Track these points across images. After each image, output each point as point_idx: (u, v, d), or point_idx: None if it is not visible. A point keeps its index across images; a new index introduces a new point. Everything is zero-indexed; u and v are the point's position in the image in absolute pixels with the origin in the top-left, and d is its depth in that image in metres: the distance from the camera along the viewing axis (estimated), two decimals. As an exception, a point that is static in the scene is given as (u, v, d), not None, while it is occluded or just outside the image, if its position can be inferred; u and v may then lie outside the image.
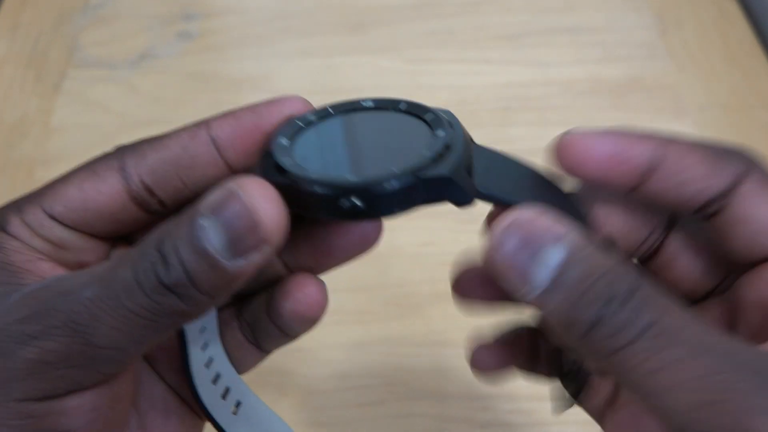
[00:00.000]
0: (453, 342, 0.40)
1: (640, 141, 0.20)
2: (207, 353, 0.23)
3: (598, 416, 0.23)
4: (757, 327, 0.19)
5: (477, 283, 0.21)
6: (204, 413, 0.22)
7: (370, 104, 0.20)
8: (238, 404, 0.24)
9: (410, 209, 0.17)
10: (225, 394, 0.23)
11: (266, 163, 0.19)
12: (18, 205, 0.20)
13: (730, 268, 0.21)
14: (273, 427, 0.25)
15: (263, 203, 0.17)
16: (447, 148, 0.18)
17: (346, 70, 0.54)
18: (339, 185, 0.17)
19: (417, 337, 0.40)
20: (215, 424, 0.23)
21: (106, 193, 0.20)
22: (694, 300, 0.22)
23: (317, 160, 0.18)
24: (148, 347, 0.18)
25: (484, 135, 0.57)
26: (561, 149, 0.20)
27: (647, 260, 0.22)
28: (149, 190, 0.20)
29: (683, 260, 0.21)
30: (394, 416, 0.38)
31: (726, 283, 0.21)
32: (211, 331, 0.23)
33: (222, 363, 0.24)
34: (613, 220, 0.21)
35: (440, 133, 0.18)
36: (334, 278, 0.42)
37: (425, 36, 0.55)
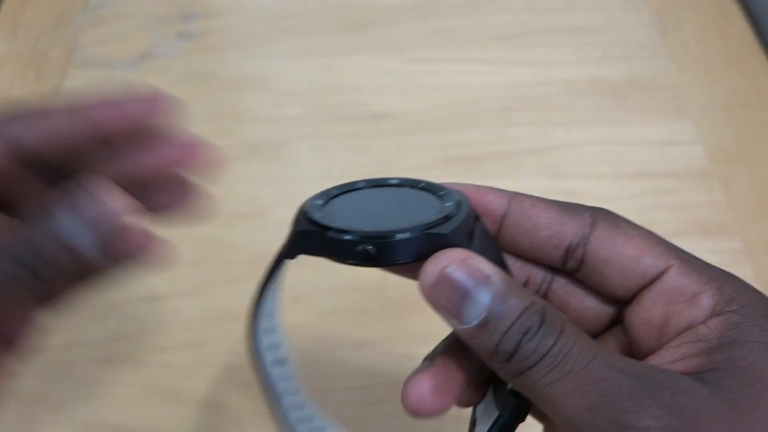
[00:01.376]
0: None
1: (494, 191, 0.23)
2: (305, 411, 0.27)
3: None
4: (645, 345, 0.22)
5: (426, 394, 0.23)
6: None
7: (396, 182, 0.24)
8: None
9: (414, 260, 0.21)
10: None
11: (301, 218, 0.22)
12: None
13: (616, 302, 0.23)
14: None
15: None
16: (450, 216, 0.21)
17: (346, 70, 0.54)
18: (358, 233, 0.21)
19: (417, 337, 0.40)
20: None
21: None
22: (594, 334, 0.24)
23: (344, 217, 0.22)
24: None
25: (484, 135, 0.58)
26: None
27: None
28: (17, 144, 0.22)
29: (572, 303, 0.24)
30: (393, 416, 0.38)
31: (620, 315, 0.24)
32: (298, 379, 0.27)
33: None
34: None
35: (448, 204, 0.22)
36: (334, 278, 0.43)
37: (425, 36, 0.55)
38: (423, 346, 0.40)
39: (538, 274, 0.24)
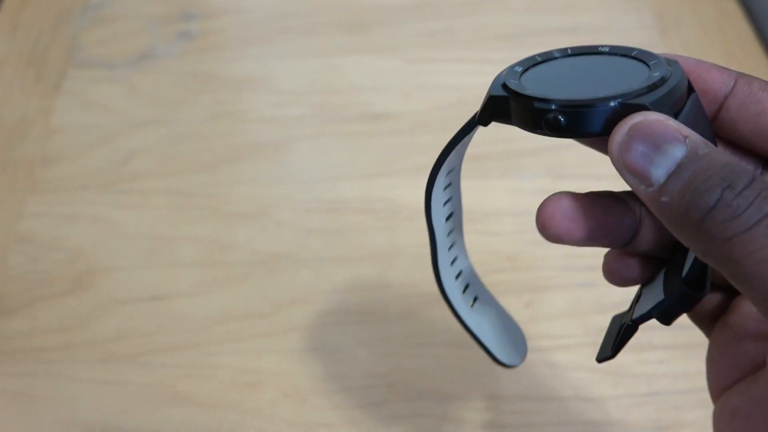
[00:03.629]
0: (454, 342, 0.40)
1: (718, 67, 0.20)
2: (452, 253, 0.26)
3: (705, 327, 0.22)
4: None
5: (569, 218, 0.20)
6: (448, 305, 0.26)
7: (606, 49, 0.22)
8: (475, 299, 0.27)
9: (606, 133, 0.19)
10: (465, 289, 0.27)
11: (496, 83, 0.21)
12: None
13: None
14: (504, 323, 0.28)
15: None
16: (655, 85, 0.19)
17: (346, 70, 0.54)
18: (548, 101, 0.19)
19: (418, 337, 0.40)
20: (456, 315, 0.26)
21: None
22: None
23: (539, 84, 0.21)
24: None
25: (484, 135, 0.57)
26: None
27: None
28: None
29: None
30: (395, 417, 0.38)
31: None
32: (456, 233, 0.26)
33: (464, 262, 0.27)
34: None
35: (656, 73, 0.20)
36: (334, 279, 0.43)
37: (425, 36, 0.55)
38: (424, 346, 0.40)
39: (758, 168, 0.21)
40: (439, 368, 0.39)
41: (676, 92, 0.19)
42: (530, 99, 0.20)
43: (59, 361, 0.40)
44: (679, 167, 0.17)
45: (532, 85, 0.21)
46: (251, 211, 0.46)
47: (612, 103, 0.19)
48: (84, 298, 0.42)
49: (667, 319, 0.20)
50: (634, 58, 0.21)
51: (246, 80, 0.53)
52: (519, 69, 0.22)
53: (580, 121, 0.19)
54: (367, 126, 0.50)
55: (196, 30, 0.57)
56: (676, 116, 0.19)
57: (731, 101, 0.20)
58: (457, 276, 0.27)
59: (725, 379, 0.20)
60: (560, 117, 0.19)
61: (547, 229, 0.20)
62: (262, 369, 0.39)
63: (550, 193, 0.21)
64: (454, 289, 0.27)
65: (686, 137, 0.17)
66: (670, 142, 0.17)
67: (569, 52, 0.22)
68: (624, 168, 0.18)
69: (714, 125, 0.21)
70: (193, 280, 0.43)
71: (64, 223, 0.46)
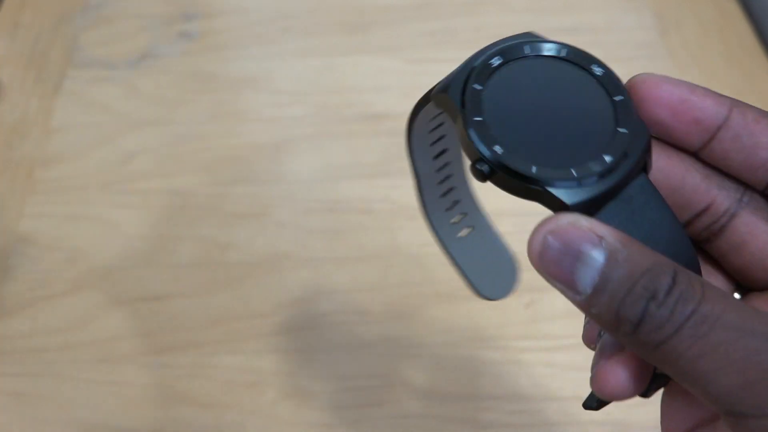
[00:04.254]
0: (454, 343, 0.40)
1: (713, 95, 0.20)
2: (445, 186, 0.25)
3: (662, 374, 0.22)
4: None
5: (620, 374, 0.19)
6: (432, 232, 0.25)
7: (595, 68, 0.21)
8: (472, 229, 0.26)
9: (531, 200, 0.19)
10: (460, 220, 0.26)
11: (461, 77, 0.21)
12: None
13: None
14: (497, 255, 0.26)
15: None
16: (600, 173, 0.18)
17: (346, 70, 0.54)
18: (488, 155, 0.19)
19: (417, 337, 0.40)
20: (440, 242, 0.25)
21: None
22: (765, 285, 0.21)
23: (493, 113, 0.19)
24: None
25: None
26: (632, 86, 0.20)
27: (707, 241, 0.21)
28: None
29: (753, 245, 0.20)
30: (395, 417, 0.38)
31: None
32: (457, 180, 0.25)
33: (462, 195, 0.26)
34: (669, 178, 0.20)
35: (608, 158, 0.19)
36: (334, 279, 0.43)
37: (425, 36, 0.55)
38: (424, 347, 0.40)
39: (723, 203, 0.20)
40: (439, 368, 0.39)
41: (614, 188, 0.18)
42: (470, 141, 0.19)
43: (59, 361, 0.40)
44: (602, 278, 0.17)
45: (488, 106, 0.19)
46: (251, 211, 0.46)
47: (535, 187, 0.18)
48: (84, 298, 0.42)
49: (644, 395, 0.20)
50: (600, 83, 0.20)
51: (246, 80, 0.53)
52: (495, 62, 0.20)
53: (504, 184, 0.19)
54: (367, 126, 0.50)
55: (196, 30, 0.57)
56: (612, 197, 0.18)
57: (724, 133, 0.20)
58: (450, 208, 0.26)
59: (679, 426, 0.20)
60: (485, 172, 0.19)
61: (605, 394, 0.19)
62: (262, 369, 0.39)
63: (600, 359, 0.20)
64: (442, 218, 0.26)
65: (602, 238, 0.17)
66: (587, 250, 0.17)
67: (543, 52, 0.21)
68: (548, 277, 0.18)
69: (703, 153, 0.20)
70: (193, 280, 0.43)
71: (64, 223, 0.46)
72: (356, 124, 0.50)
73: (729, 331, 0.16)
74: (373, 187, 0.47)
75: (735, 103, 0.20)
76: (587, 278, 0.17)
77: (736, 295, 0.21)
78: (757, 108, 0.20)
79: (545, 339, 0.39)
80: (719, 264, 0.21)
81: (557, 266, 0.17)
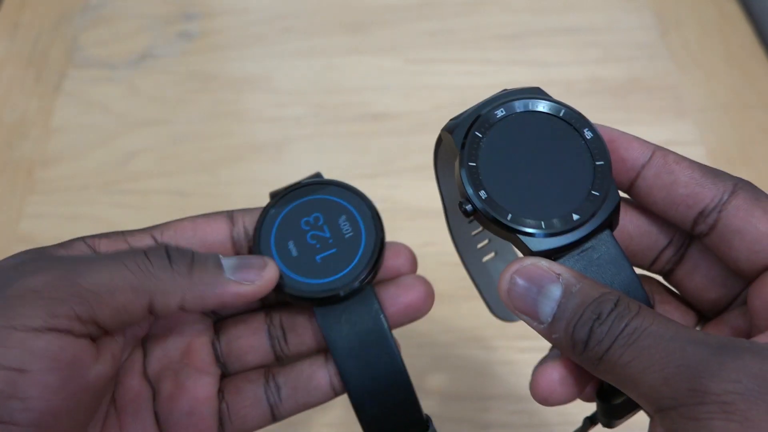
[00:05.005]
0: (454, 342, 0.40)
1: (639, 140, 0.23)
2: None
3: None
4: (764, 326, 0.21)
5: (557, 383, 0.23)
6: (459, 256, 0.28)
7: (557, 115, 0.24)
8: (495, 254, 0.29)
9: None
10: (485, 245, 0.29)
11: (465, 128, 0.24)
12: (129, 231, 0.24)
13: (742, 278, 0.23)
14: None
15: (270, 271, 0.23)
16: (564, 231, 0.22)
17: (347, 70, 0.54)
18: (474, 196, 0.22)
19: (417, 337, 0.40)
20: (464, 265, 0.29)
21: (213, 227, 0.25)
22: (719, 310, 0.24)
23: (488, 161, 0.23)
24: (126, 311, 0.21)
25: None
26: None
27: (670, 272, 0.25)
28: (247, 233, 0.25)
29: (702, 272, 0.24)
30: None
31: (744, 293, 0.23)
32: None
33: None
34: (635, 225, 0.24)
35: (576, 217, 0.22)
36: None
37: (426, 36, 0.55)
38: (423, 346, 0.40)
39: (679, 238, 0.24)
40: (439, 368, 0.39)
41: (576, 242, 0.22)
42: (461, 182, 0.22)
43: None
44: (560, 308, 0.20)
45: (484, 153, 0.23)
46: (251, 211, 0.46)
47: (508, 232, 0.22)
48: (84, 298, 0.42)
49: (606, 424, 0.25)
50: (585, 144, 0.23)
51: (246, 80, 0.53)
52: (499, 114, 0.23)
53: (483, 223, 0.22)
54: (367, 126, 0.50)
55: (196, 30, 0.57)
56: (575, 248, 0.22)
57: (647, 171, 0.23)
58: (478, 233, 0.29)
59: None
60: (468, 211, 0.22)
61: (537, 396, 0.23)
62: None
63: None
64: (469, 243, 0.29)
65: (559, 275, 0.21)
66: (546, 284, 0.21)
67: (544, 110, 0.24)
68: (516, 311, 0.21)
69: (631, 192, 0.23)
70: (193, 280, 0.43)
71: (64, 223, 0.46)
72: (356, 124, 0.50)
73: (652, 339, 0.19)
74: (373, 187, 0.46)
75: (659, 148, 0.23)
76: (547, 309, 0.20)
77: (697, 328, 0.25)
78: (677, 153, 0.23)
79: (545, 339, 0.39)
80: (680, 293, 0.25)
81: (522, 300, 0.21)
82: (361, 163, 0.48)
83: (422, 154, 0.48)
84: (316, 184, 0.26)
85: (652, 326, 0.19)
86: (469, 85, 0.52)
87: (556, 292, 0.20)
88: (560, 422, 0.37)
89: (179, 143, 0.50)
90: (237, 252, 0.25)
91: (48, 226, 0.46)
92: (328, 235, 0.25)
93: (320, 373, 0.25)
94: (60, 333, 0.20)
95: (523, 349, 0.39)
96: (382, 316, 0.24)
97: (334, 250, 0.25)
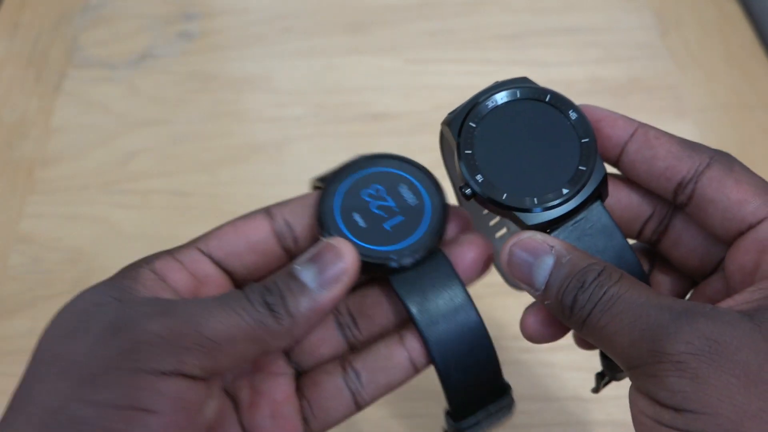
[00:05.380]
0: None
1: (624, 118, 0.25)
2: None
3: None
4: (739, 290, 0.22)
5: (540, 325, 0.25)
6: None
7: (550, 100, 0.26)
8: None
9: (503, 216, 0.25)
10: None
11: (459, 118, 0.25)
12: (176, 249, 0.25)
13: (722, 244, 0.24)
14: None
15: (348, 252, 0.23)
16: (560, 201, 0.24)
17: (346, 70, 0.54)
18: (472, 180, 0.24)
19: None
20: None
21: (253, 226, 0.25)
22: (704, 275, 0.25)
23: (485, 145, 0.25)
24: (243, 358, 0.22)
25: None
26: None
27: (658, 241, 0.26)
28: (288, 225, 0.26)
29: (686, 241, 0.25)
30: (396, 416, 0.38)
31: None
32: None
33: None
34: (620, 198, 0.26)
35: (579, 171, 0.24)
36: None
37: (426, 36, 0.55)
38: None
39: (662, 208, 0.25)
40: (439, 368, 0.39)
41: (568, 214, 0.24)
42: (459, 169, 0.24)
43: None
44: (551, 276, 0.22)
45: (478, 141, 0.25)
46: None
47: (504, 210, 0.24)
48: (84, 298, 0.42)
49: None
50: (572, 125, 0.25)
51: (246, 80, 0.53)
52: (490, 105, 0.25)
53: (482, 204, 0.24)
54: (367, 126, 0.50)
55: (196, 30, 0.57)
56: (568, 219, 0.24)
57: (630, 146, 0.24)
58: (488, 212, 0.30)
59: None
60: (467, 194, 0.24)
61: (525, 334, 0.25)
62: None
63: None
64: (480, 220, 0.30)
65: (552, 247, 0.23)
66: (540, 255, 0.23)
67: (531, 96, 0.26)
68: (515, 279, 0.23)
69: (619, 166, 0.25)
70: (193, 280, 0.43)
71: (64, 223, 0.46)
72: (356, 124, 0.50)
73: (625, 304, 0.21)
74: (373, 187, 0.47)
75: (642, 125, 0.24)
76: (541, 277, 0.22)
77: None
78: (660, 130, 0.24)
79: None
80: (669, 261, 0.26)
81: (520, 269, 0.23)
82: (361, 163, 0.48)
83: (422, 154, 0.48)
84: (366, 159, 0.26)
85: (627, 293, 0.21)
86: (469, 85, 0.51)
87: (548, 262, 0.22)
88: (561, 422, 0.37)
89: (179, 143, 0.50)
90: (282, 243, 0.26)
91: (48, 226, 0.46)
92: (393, 204, 0.25)
93: (398, 351, 0.25)
94: (185, 377, 0.21)
95: (524, 349, 0.39)
96: (459, 280, 0.25)
97: (401, 218, 0.25)
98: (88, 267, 0.44)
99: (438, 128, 0.27)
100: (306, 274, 0.23)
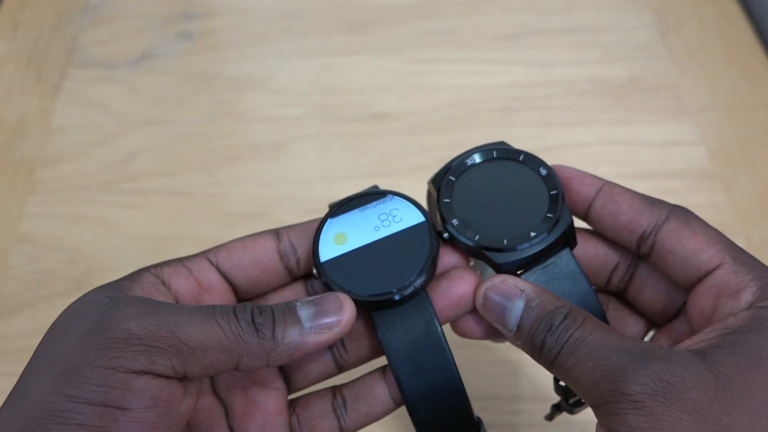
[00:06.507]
0: (453, 343, 0.40)
1: (591, 176, 0.27)
2: None
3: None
4: (699, 332, 0.24)
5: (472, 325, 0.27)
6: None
7: (522, 159, 0.28)
8: None
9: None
10: None
11: (440, 176, 0.28)
12: (186, 257, 0.27)
13: (683, 291, 0.26)
14: None
15: (348, 309, 0.24)
16: (523, 245, 0.26)
17: (346, 70, 0.54)
18: (450, 227, 0.27)
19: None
20: None
21: (261, 244, 0.27)
22: (669, 318, 0.28)
23: (461, 194, 0.27)
24: (214, 367, 0.23)
25: (484, 135, 0.58)
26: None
27: (625, 289, 0.28)
28: (293, 246, 0.27)
29: (650, 288, 0.28)
30: (396, 416, 0.38)
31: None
32: None
33: None
34: (588, 249, 0.28)
35: (546, 219, 0.26)
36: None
37: (426, 36, 0.55)
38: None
39: (627, 259, 0.28)
40: (439, 368, 0.39)
41: (535, 255, 0.26)
42: (441, 215, 0.27)
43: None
44: (522, 319, 0.24)
45: (457, 192, 0.27)
46: (251, 211, 0.46)
47: (477, 251, 0.26)
48: (84, 298, 0.42)
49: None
50: (542, 179, 0.27)
51: (246, 80, 0.53)
52: (469, 162, 0.28)
53: (458, 246, 0.26)
54: (367, 126, 0.50)
55: (196, 30, 0.57)
56: (537, 262, 0.26)
57: (597, 201, 0.27)
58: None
59: None
60: (445, 238, 0.26)
61: (457, 332, 0.27)
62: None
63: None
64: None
65: (522, 291, 0.25)
66: (511, 298, 0.25)
67: (506, 156, 0.28)
68: (489, 320, 0.25)
69: (588, 219, 0.27)
70: (193, 280, 0.43)
71: (64, 223, 0.46)
72: (356, 124, 0.50)
73: (589, 347, 0.22)
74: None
75: (607, 182, 0.27)
76: (512, 320, 0.24)
77: (651, 333, 0.29)
78: (623, 187, 0.27)
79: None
80: (636, 307, 0.29)
81: (493, 312, 0.25)
82: (361, 163, 0.48)
83: (422, 154, 0.48)
84: (375, 194, 0.28)
85: (590, 336, 0.23)
86: (469, 85, 0.52)
87: (519, 305, 0.24)
88: (560, 422, 0.37)
89: (179, 143, 0.50)
90: (285, 263, 0.27)
91: (48, 226, 0.46)
92: (386, 240, 0.27)
93: (379, 384, 0.27)
94: (157, 376, 0.21)
95: (523, 349, 0.39)
96: (436, 320, 0.26)
97: (392, 255, 0.26)
98: (88, 267, 0.44)
99: (438, 128, 0.27)
100: (304, 312, 0.24)
